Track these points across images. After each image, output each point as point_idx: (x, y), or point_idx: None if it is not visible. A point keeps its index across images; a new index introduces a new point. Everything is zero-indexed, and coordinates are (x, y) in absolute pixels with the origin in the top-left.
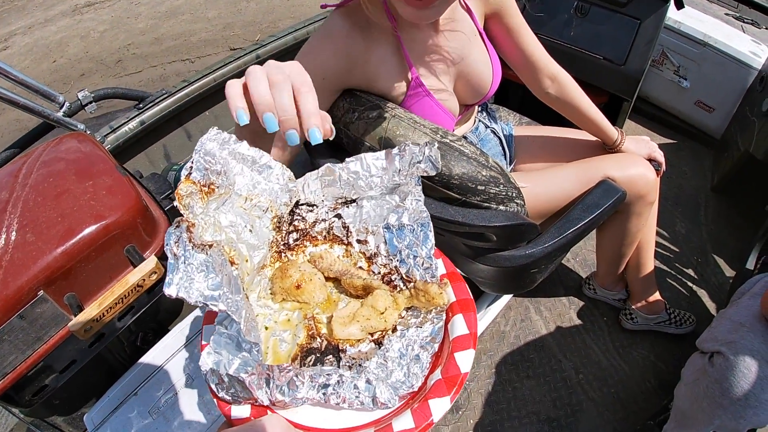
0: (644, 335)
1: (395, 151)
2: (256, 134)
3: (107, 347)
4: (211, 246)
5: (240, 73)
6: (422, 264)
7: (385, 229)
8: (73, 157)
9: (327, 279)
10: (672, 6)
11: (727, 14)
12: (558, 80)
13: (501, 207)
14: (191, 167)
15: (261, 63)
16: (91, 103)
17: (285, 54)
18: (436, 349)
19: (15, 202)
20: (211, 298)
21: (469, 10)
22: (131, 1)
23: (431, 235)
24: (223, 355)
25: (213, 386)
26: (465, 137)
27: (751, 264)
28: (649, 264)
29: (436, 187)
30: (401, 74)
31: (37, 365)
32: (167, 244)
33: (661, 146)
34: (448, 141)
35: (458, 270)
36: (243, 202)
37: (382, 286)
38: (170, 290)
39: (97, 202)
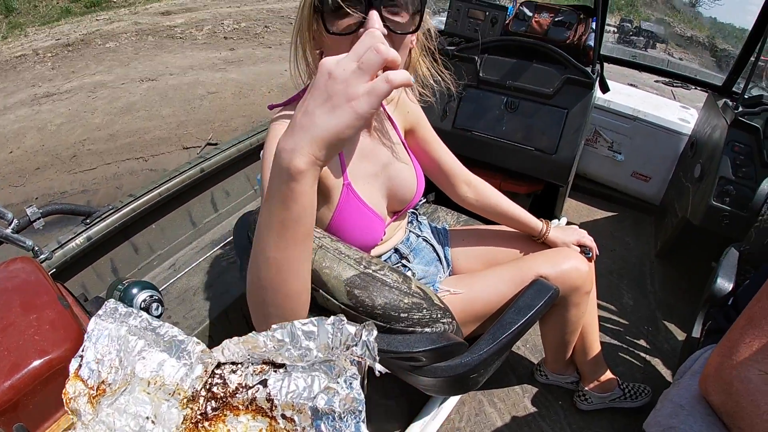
0: (602, 413)
1: (329, 322)
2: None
3: None
4: None
5: (184, 187)
6: None
7: (312, 412)
8: (17, 287)
9: None
10: (598, 89)
11: (656, 81)
12: (473, 185)
13: (426, 329)
14: (81, 358)
15: (206, 176)
16: (39, 219)
17: (230, 166)
18: None
19: None
20: None
21: (392, 122)
22: (89, 93)
23: (363, 427)
24: None
25: None
26: (397, 250)
27: (696, 332)
28: (595, 346)
29: (360, 317)
30: (336, 177)
31: None
32: None
33: (602, 219)
34: (371, 271)
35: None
36: (146, 386)
37: None
38: None
39: (41, 336)
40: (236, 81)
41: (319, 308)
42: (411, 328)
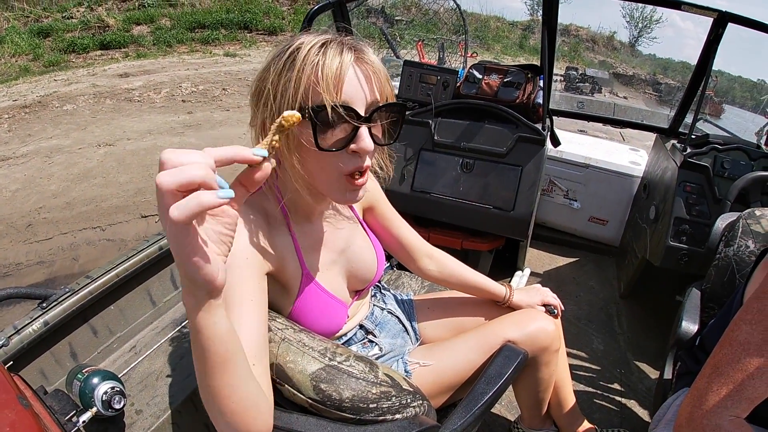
0: None
1: None
2: None
3: None
4: None
5: (143, 266)
6: None
7: None
8: None
9: None
10: (549, 143)
11: (605, 124)
12: (435, 257)
13: (398, 416)
14: None
15: (165, 254)
16: None
17: None
18: None
19: None
20: None
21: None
22: (45, 158)
23: None
24: None
25: None
26: (362, 326)
27: (668, 373)
28: (570, 398)
29: (329, 410)
30: (295, 269)
31: None
32: None
33: (564, 266)
34: (336, 363)
35: None
36: None
37: None
38: None
39: None
40: (195, 146)
41: (287, 402)
42: (381, 417)
